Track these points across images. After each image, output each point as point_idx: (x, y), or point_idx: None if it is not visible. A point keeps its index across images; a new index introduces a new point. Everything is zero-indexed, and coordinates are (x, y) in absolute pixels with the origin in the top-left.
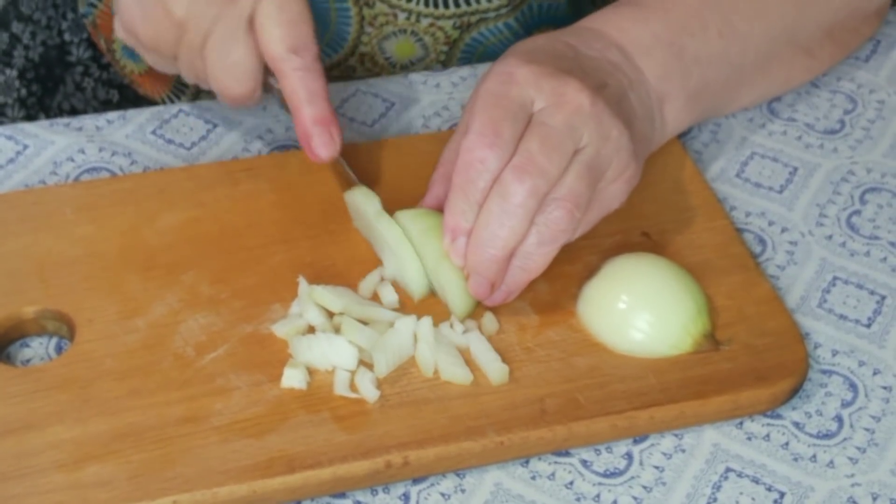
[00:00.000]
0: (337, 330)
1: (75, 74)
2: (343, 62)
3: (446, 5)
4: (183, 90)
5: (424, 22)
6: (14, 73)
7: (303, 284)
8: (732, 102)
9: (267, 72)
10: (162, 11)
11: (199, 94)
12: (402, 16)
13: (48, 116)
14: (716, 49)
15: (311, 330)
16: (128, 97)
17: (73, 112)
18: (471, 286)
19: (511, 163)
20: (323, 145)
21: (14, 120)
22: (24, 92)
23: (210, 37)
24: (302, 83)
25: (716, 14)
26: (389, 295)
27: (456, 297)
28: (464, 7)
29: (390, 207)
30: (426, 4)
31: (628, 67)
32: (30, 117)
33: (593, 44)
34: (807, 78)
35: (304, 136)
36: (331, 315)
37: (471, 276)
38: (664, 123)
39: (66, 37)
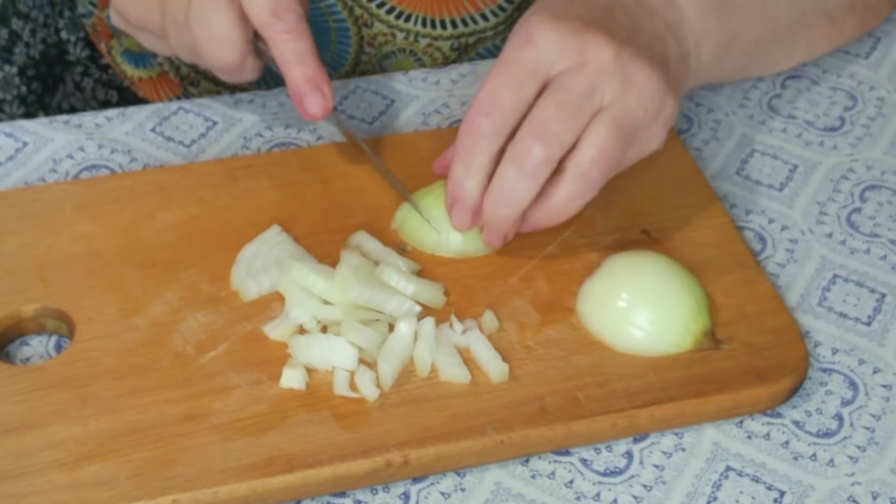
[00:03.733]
0: (326, 328)
1: (75, 74)
2: None
3: (444, 26)
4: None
5: (423, 42)
6: (14, 69)
7: (296, 268)
8: (761, 61)
9: (257, 37)
10: None
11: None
12: (400, 35)
13: (47, 115)
14: (756, 2)
15: (303, 330)
16: (127, 99)
17: (73, 111)
18: (485, 236)
19: (525, 128)
20: (315, 103)
21: (13, 117)
22: (24, 89)
23: (190, 10)
24: (288, 45)
25: None
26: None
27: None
28: (461, 28)
29: (390, 206)
30: (424, 25)
31: (666, 9)
32: (29, 115)
33: None
34: (828, 47)
35: (296, 96)
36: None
37: (485, 229)
38: (700, 63)
39: (63, 35)
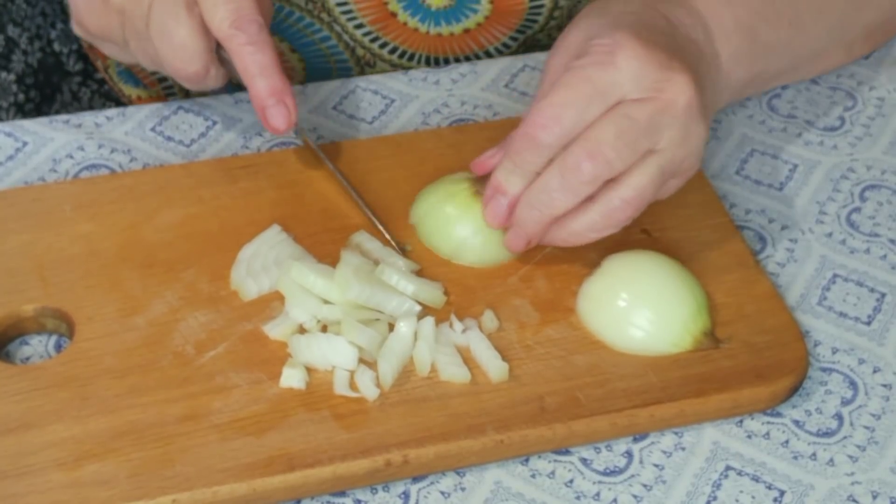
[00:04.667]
0: (326, 328)
1: (72, 84)
2: None
3: (447, 65)
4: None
5: None
6: (12, 76)
7: (294, 268)
8: (771, 84)
9: (219, 46)
10: (101, 1)
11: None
12: None
13: None
14: (784, 37)
15: (303, 330)
16: None
17: None
18: (508, 237)
19: (580, 143)
20: (279, 116)
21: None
22: (21, 97)
23: (151, 21)
24: (251, 57)
25: (789, 3)
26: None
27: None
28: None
29: (390, 205)
30: (427, 64)
31: (707, 48)
32: None
33: (684, 19)
34: (837, 68)
35: (259, 108)
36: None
37: (512, 229)
38: (716, 105)
39: (56, 47)
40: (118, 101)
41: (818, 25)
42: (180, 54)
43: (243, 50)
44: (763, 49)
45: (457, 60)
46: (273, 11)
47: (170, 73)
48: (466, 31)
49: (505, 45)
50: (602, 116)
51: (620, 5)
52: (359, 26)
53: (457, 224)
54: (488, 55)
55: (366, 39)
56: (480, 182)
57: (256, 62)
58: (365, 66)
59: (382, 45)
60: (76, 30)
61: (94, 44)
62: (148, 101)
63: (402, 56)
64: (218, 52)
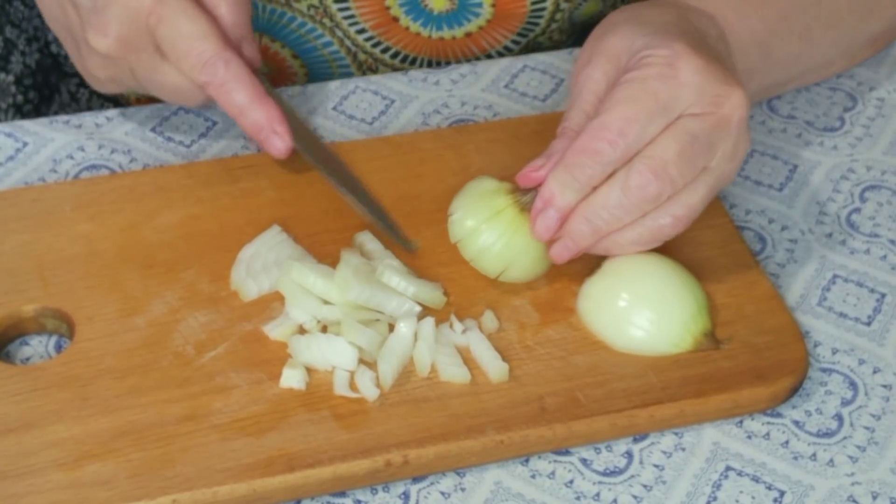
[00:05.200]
0: (326, 328)
1: (70, 84)
2: None
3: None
4: None
5: None
6: (11, 78)
7: (294, 268)
8: (774, 93)
9: None
10: (92, 77)
11: None
12: None
13: None
14: (794, 51)
15: (303, 330)
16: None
17: None
18: (556, 248)
19: (644, 161)
20: (275, 147)
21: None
22: (20, 98)
23: (140, 80)
24: (226, 99)
25: (800, 18)
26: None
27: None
28: None
29: (390, 205)
30: (430, 66)
31: (728, 62)
32: None
33: (710, 31)
34: (838, 74)
35: (257, 142)
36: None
37: (561, 240)
38: None
39: (54, 48)
40: (116, 102)
41: (826, 39)
42: (178, 97)
43: (218, 93)
44: (774, 64)
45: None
46: (252, 9)
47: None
48: (468, 34)
49: (506, 48)
50: (663, 132)
51: (655, 13)
52: (361, 31)
53: (506, 245)
54: (489, 59)
55: (367, 44)
56: (523, 193)
57: (232, 103)
58: (367, 71)
59: (384, 50)
60: (92, 83)
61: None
62: (147, 102)
63: (403, 60)
64: None
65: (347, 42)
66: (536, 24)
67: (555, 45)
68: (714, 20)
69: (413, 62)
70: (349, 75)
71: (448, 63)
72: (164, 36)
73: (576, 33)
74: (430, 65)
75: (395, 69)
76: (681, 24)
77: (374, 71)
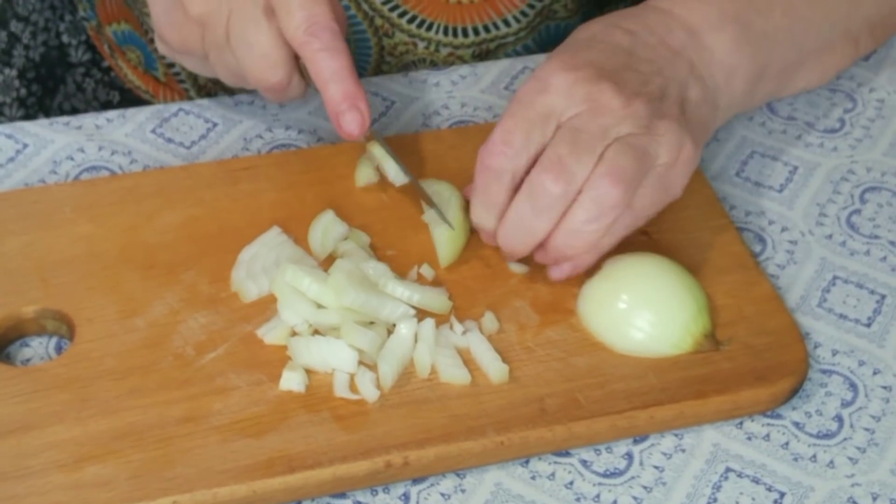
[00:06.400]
0: (317, 331)
1: (76, 75)
2: None
3: (465, 34)
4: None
5: (444, 51)
6: (14, 72)
7: (290, 270)
8: (788, 86)
9: (298, 55)
10: (182, 13)
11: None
12: (421, 45)
13: (47, 116)
14: (781, 26)
15: (295, 334)
16: (129, 99)
17: (73, 112)
18: (551, 271)
19: (540, 164)
20: (352, 121)
21: (12, 119)
22: (23, 91)
23: (231, 31)
24: (325, 63)
25: None
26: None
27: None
28: (483, 35)
29: (389, 205)
30: (445, 34)
31: (693, 49)
32: (28, 117)
33: (656, 28)
34: (848, 64)
35: (333, 114)
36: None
37: (551, 266)
38: (733, 98)
39: (65, 39)
40: (122, 90)
41: (815, 14)
42: (262, 63)
43: (317, 56)
44: (761, 38)
45: (475, 30)
46: (347, 21)
47: (252, 85)
48: None
49: (523, 13)
50: (553, 137)
51: (581, 32)
52: None
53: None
54: (506, 24)
55: (385, 8)
56: None
57: (329, 68)
58: (383, 37)
59: (402, 15)
60: (158, 46)
61: (176, 60)
62: (155, 89)
63: (420, 25)
64: (300, 62)
65: (364, 6)
66: None
67: (569, 13)
68: (667, 13)
69: (430, 28)
70: (366, 41)
71: (465, 29)
72: None
73: (589, 1)
74: (446, 31)
75: (411, 35)
76: (601, 32)
77: (391, 37)
